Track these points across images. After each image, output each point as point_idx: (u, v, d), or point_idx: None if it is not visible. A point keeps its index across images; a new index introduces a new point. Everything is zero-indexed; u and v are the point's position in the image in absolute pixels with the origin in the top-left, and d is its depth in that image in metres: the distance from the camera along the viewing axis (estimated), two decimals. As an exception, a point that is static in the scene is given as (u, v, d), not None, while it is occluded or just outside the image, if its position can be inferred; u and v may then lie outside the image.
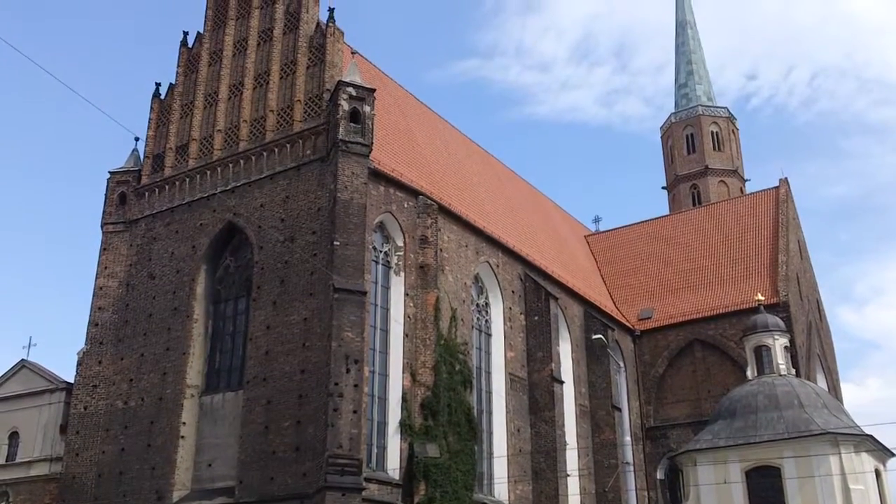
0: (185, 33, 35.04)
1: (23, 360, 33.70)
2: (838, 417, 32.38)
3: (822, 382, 43.02)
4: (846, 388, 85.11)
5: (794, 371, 36.00)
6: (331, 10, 30.91)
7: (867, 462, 31.24)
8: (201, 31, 34.76)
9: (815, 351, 43.82)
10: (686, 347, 42.57)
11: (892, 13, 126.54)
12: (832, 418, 31.98)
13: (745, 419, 32.93)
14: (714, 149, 63.78)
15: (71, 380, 31.57)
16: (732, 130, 65.34)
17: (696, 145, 64.28)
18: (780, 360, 35.30)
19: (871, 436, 31.55)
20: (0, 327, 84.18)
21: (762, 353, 35.78)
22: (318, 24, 31.42)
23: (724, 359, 41.21)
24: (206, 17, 34.78)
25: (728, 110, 66.14)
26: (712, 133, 64.31)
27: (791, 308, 40.06)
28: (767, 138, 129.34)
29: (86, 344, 31.36)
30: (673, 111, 67.32)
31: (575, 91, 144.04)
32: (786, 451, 31.17)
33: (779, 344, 35.72)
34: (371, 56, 36.74)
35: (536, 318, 35.41)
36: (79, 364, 31.09)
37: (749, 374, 35.96)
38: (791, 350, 37.03)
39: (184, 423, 28.43)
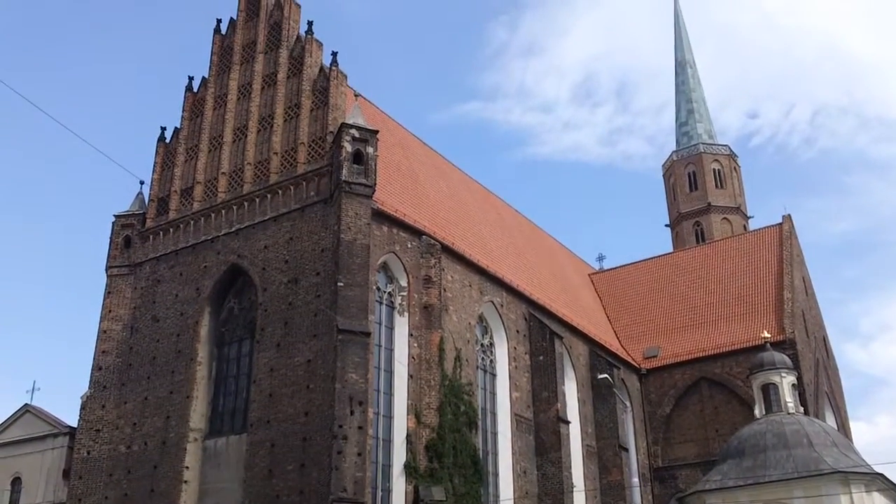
0: (191, 78, 35.50)
1: (26, 404, 33.63)
2: (848, 456, 32.02)
3: (830, 420, 42.63)
4: (855, 426, 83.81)
5: (802, 409, 35.69)
6: (334, 54, 31.34)
7: (878, 501, 30.83)
8: (206, 76, 35.16)
9: (822, 388, 43.48)
10: (693, 386, 42.29)
11: (891, 51, 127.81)
12: (842, 457, 31.62)
13: (755, 459, 32.58)
14: (716, 186, 64.04)
15: (74, 424, 31.42)
16: (734, 168, 65.62)
17: (698, 183, 64.54)
18: (788, 397, 35.03)
19: (881, 474, 31.18)
20: (4, 372, 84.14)
21: (770, 391, 35.50)
22: (321, 68, 31.78)
23: (731, 397, 40.90)
24: (211, 62, 35.22)
25: (729, 148, 66.50)
26: (714, 170, 64.59)
27: (798, 345, 39.84)
28: (770, 176, 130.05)
29: (89, 388, 31.23)
30: (674, 149, 67.72)
31: (577, 131, 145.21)
32: (796, 491, 30.76)
33: (786, 382, 35.45)
34: (374, 99, 37.20)
35: (541, 357, 35.23)
36: (82, 408, 30.92)
37: (757, 412, 35.64)
38: (799, 388, 36.70)
39: (187, 468, 28.19)
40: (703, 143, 65.81)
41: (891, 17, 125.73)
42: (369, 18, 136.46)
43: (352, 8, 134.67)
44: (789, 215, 47.96)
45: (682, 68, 70.57)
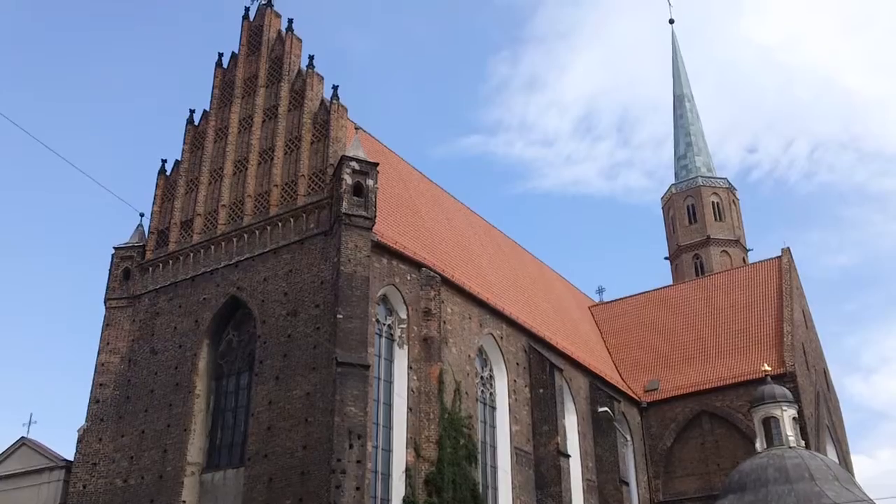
0: (192, 111, 35.71)
1: (23, 437, 33.32)
2: (850, 490, 31.75)
3: (832, 454, 42.33)
4: (857, 460, 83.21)
5: (803, 442, 35.45)
6: (335, 88, 31.58)
7: (882, 536, 30.56)
8: (207, 109, 35.38)
9: (823, 422, 43.24)
10: (693, 419, 42.09)
11: (889, 87, 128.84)
12: (844, 491, 31.36)
13: (756, 493, 32.30)
14: (715, 219, 64.18)
15: (71, 457, 31.14)
16: (733, 200, 65.80)
17: (697, 216, 64.70)
18: (789, 431, 34.82)
19: (884, 509, 30.95)
20: (1, 404, 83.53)
21: (771, 425, 35.28)
22: (322, 102, 32.01)
23: (732, 431, 40.68)
24: (212, 95, 35.45)
25: (728, 181, 66.72)
26: (713, 203, 64.78)
27: (798, 378, 39.69)
28: (769, 209, 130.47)
29: (86, 421, 31.02)
30: (673, 182, 67.95)
31: (578, 165, 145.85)
32: (798, 526, 30.49)
33: (787, 415, 35.25)
34: (375, 132, 37.40)
35: (541, 390, 35.07)
36: (79, 441, 30.70)
37: (758, 445, 35.41)
38: (800, 421, 36.51)
39: (184, 502, 27.89)
40: (701, 177, 66.06)
41: (889, 54, 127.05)
42: (370, 52, 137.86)
43: (353, 42, 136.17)
44: (788, 248, 48.10)
45: (681, 102, 71.09)
